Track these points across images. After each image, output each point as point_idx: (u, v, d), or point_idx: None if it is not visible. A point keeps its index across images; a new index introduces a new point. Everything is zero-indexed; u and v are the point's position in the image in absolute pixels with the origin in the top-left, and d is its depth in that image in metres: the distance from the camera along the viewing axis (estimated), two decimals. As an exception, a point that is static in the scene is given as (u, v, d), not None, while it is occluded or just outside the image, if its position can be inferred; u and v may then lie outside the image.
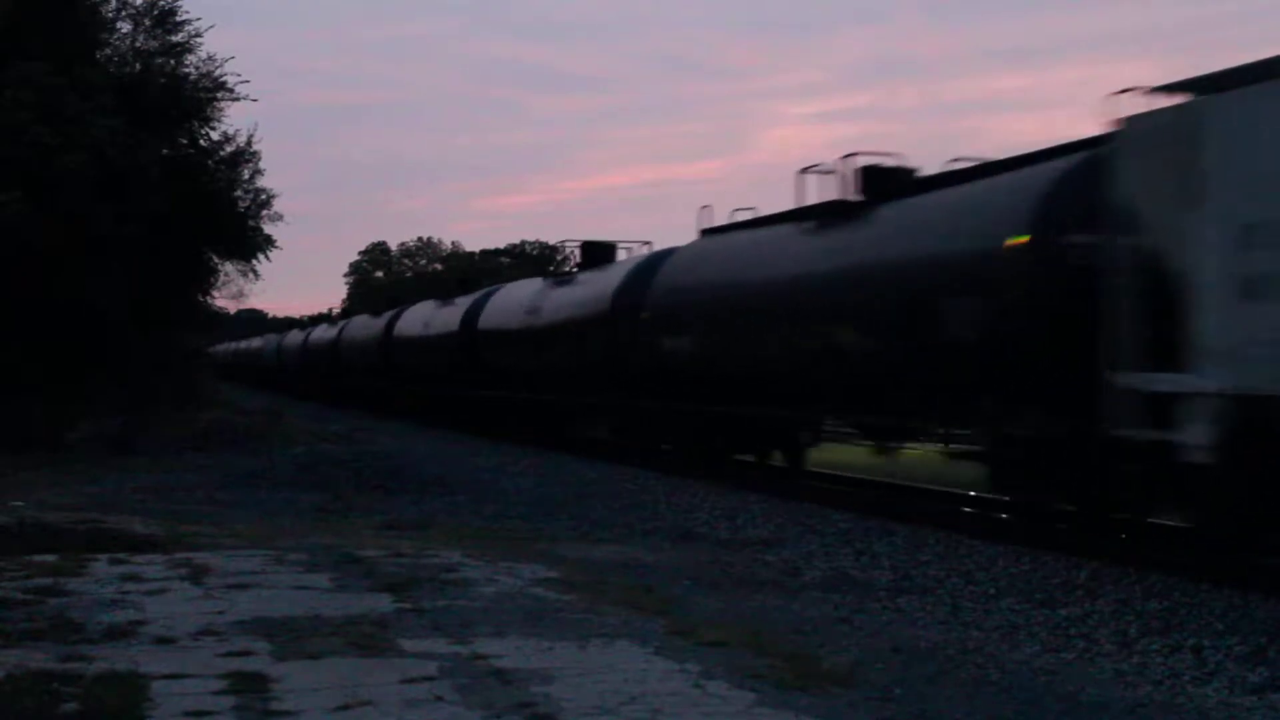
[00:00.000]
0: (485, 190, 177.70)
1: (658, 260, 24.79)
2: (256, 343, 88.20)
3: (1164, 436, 11.19)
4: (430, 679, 7.17)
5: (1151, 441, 11.42)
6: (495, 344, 32.28)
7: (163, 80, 28.75)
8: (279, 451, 25.05)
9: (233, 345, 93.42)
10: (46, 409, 24.95)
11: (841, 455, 22.14)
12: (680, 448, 22.92)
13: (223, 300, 38.62)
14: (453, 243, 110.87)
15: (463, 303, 37.14)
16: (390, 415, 44.82)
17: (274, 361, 76.11)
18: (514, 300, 32.12)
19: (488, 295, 35.76)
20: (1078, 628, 9.96)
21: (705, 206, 27.58)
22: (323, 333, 61.64)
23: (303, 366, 64.60)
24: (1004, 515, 15.38)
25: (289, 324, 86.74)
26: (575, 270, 30.36)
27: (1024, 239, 13.83)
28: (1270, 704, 7.80)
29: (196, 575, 10.61)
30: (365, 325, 50.71)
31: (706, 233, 23.51)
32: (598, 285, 26.62)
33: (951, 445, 16.32)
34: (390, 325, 44.99)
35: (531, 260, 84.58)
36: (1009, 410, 14.09)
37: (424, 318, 40.85)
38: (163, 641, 8.07)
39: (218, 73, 29.57)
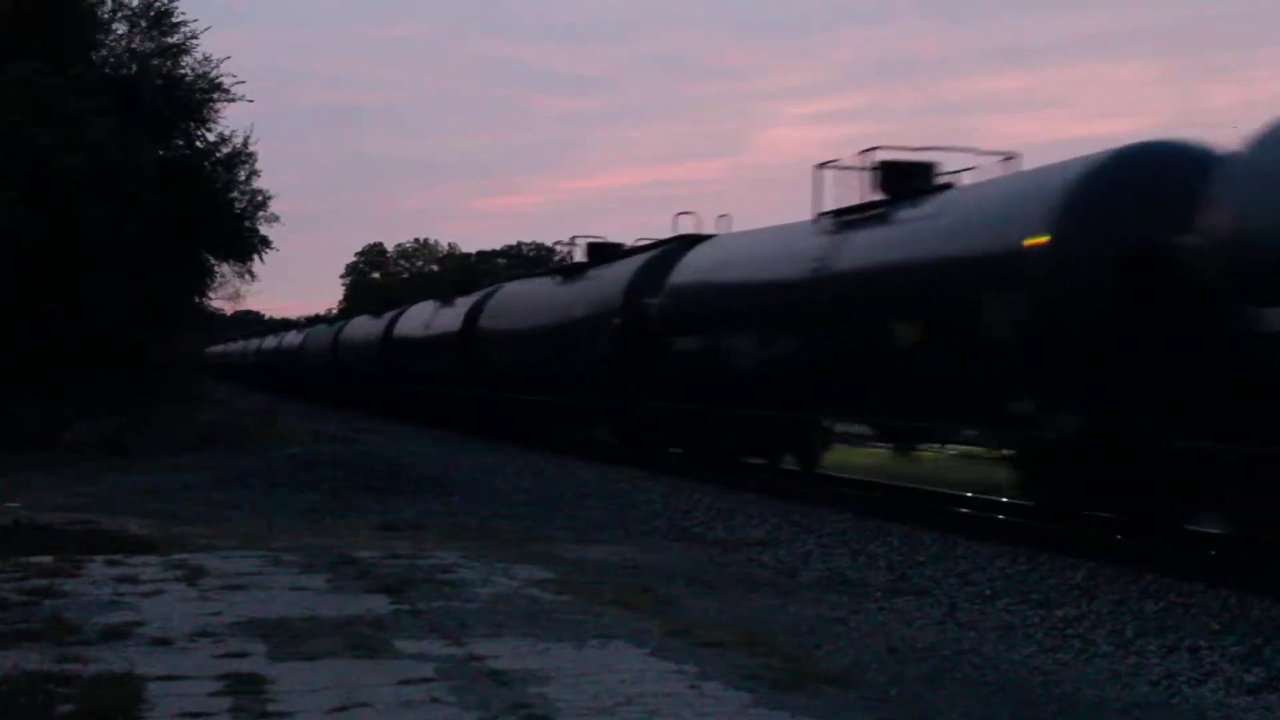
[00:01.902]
0: (483, 190, 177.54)
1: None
2: (292, 339, 67.52)
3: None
4: (427, 680, 7.16)
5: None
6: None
7: (159, 81, 28.69)
8: (275, 451, 25.02)
9: (255, 343, 80.00)
10: (43, 409, 24.93)
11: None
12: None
13: (219, 301, 38.63)
14: (449, 244, 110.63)
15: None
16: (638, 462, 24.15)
17: (325, 360, 54.45)
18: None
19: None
20: (1074, 628, 9.97)
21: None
22: (426, 315, 40.24)
23: (390, 370, 43.41)
24: (1004, 514, 15.44)
25: (286, 325, 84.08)
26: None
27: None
28: (1266, 704, 7.82)
29: (192, 576, 10.61)
30: (528, 297, 31.73)
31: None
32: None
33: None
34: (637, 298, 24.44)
35: (528, 261, 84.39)
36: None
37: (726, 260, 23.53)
38: (159, 642, 8.06)
39: (214, 74, 29.59)
